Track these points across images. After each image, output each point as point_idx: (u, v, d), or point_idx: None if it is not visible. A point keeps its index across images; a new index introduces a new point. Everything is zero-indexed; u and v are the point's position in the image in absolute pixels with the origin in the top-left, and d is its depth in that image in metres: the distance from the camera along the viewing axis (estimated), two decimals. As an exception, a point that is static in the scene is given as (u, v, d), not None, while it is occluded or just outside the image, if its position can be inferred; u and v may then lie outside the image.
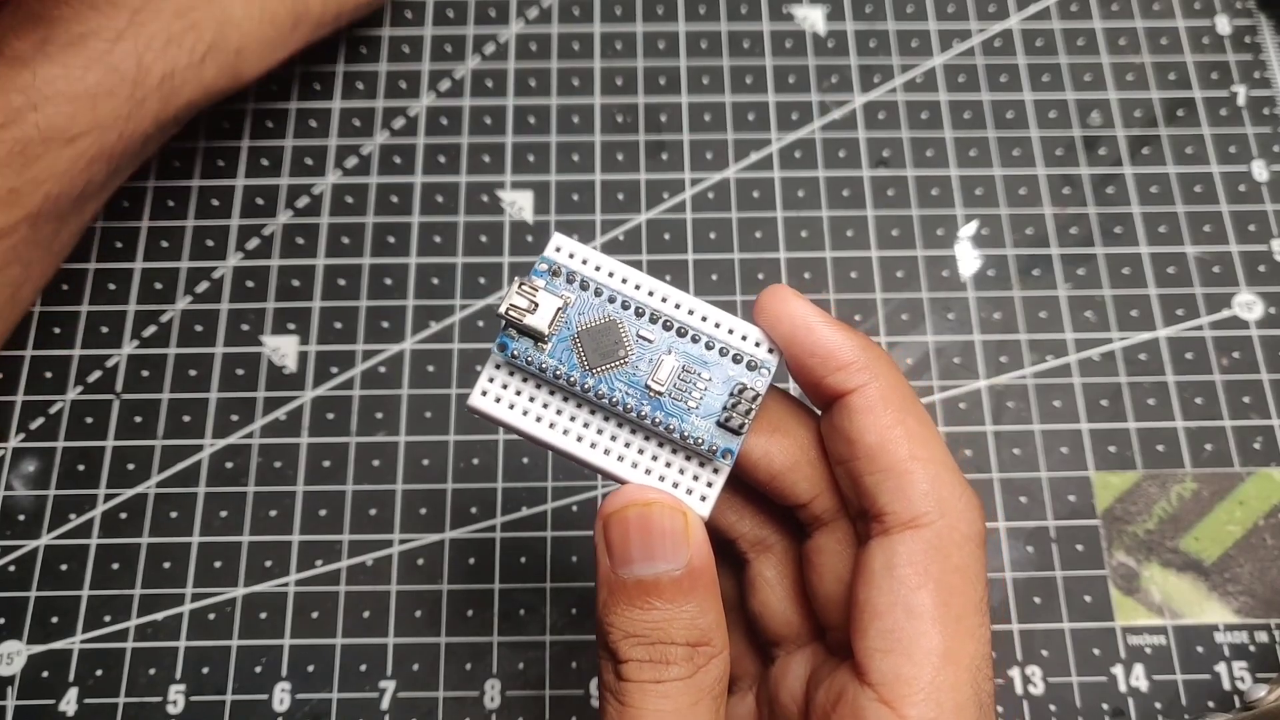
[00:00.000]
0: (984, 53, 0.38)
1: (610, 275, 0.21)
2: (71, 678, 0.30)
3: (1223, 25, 0.39)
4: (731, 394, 0.20)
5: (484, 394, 0.21)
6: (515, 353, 0.20)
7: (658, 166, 0.36)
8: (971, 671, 0.18)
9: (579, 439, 0.21)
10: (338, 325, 0.34)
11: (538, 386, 0.21)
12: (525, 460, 0.32)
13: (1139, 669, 0.30)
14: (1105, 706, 0.30)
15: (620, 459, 0.21)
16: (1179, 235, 0.35)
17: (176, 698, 0.30)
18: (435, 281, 0.34)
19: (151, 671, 0.30)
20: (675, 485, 0.21)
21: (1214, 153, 0.36)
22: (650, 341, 0.21)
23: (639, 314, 0.21)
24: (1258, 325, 0.34)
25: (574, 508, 0.32)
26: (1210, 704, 0.30)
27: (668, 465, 0.21)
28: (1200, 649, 0.31)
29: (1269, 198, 0.36)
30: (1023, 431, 0.33)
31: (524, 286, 0.20)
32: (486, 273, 0.35)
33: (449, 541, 0.32)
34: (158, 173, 0.36)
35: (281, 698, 0.30)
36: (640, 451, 0.21)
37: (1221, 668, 0.30)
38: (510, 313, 0.20)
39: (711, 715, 0.20)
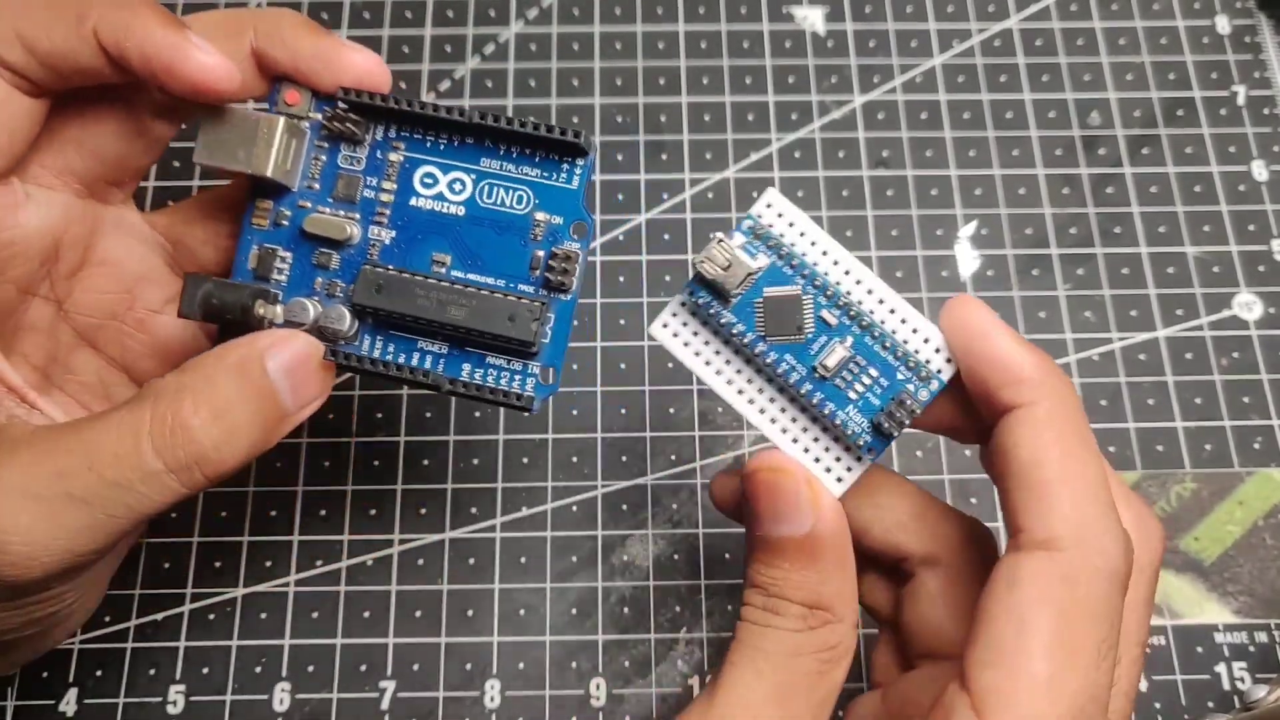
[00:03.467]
0: (983, 53, 0.38)
1: (812, 245, 0.22)
2: (71, 678, 0.30)
3: (1222, 25, 0.39)
4: (894, 399, 0.21)
5: (664, 326, 0.23)
6: (700, 301, 0.22)
7: (658, 166, 0.36)
8: (1073, 708, 0.18)
9: (740, 392, 0.22)
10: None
11: (714, 334, 0.22)
12: (525, 460, 0.32)
13: (1139, 669, 0.30)
14: (1105, 706, 0.30)
15: (773, 421, 0.22)
16: (1179, 235, 0.35)
17: (176, 698, 0.30)
18: (435, 282, 0.35)
19: (151, 671, 0.30)
20: (817, 460, 0.22)
21: (1214, 153, 0.36)
22: (829, 325, 0.22)
23: (826, 294, 0.22)
24: (1257, 325, 0.34)
25: (574, 508, 0.32)
26: (1210, 704, 0.30)
27: (815, 440, 0.22)
28: (1200, 649, 0.31)
29: (1269, 198, 0.36)
30: (1022, 431, 0.33)
31: (722, 244, 0.21)
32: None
33: (449, 541, 0.32)
34: (158, 174, 0.36)
35: (281, 698, 0.30)
36: (793, 420, 0.22)
37: (1221, 668, 0.30)
38: (704, 265, 0.21)
39: (813, 675, 0.21)
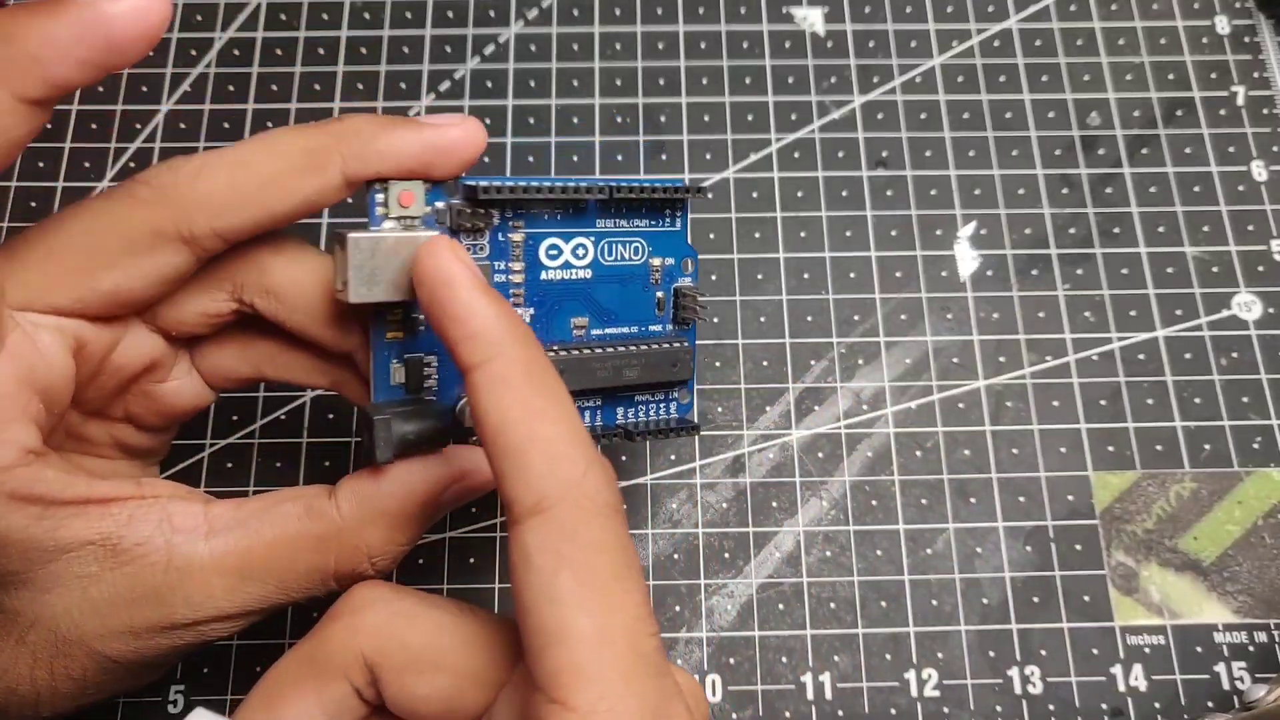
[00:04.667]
0: (983, 53, 0.38)
1: None
2: (72, 677, 0.30)
3: (1222, 25, 0.39)
4: None
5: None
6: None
7: (657, 167, 0.36)
8: (628, 640, 0.18)
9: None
10: (338, 326, 0.34)
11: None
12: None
13: (1138, 669, 0.30)
14: (1104, 706, 0.30)
15: None
16: (1178, 235, 0.35)
17: (176, 698, 0.30)
18: (435, 282, 0.35)
19: (152, 671, 0.30)
20: None
21: (1213, 153, 0.37)
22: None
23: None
24: (1256, 325, 0.34)
25: (573, 508, 0.32)
26: (1209, 704, 0.30)
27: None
28: (1199, 649, 0.31)
29: (1268, 198, 0.36)
30: (1021, 431, 0.33)
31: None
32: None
33: (449, 541, 0.32)
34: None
35: (281, 697, 0.30)
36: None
37: (1221, 668, 0.30)
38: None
39: None
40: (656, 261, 0.26)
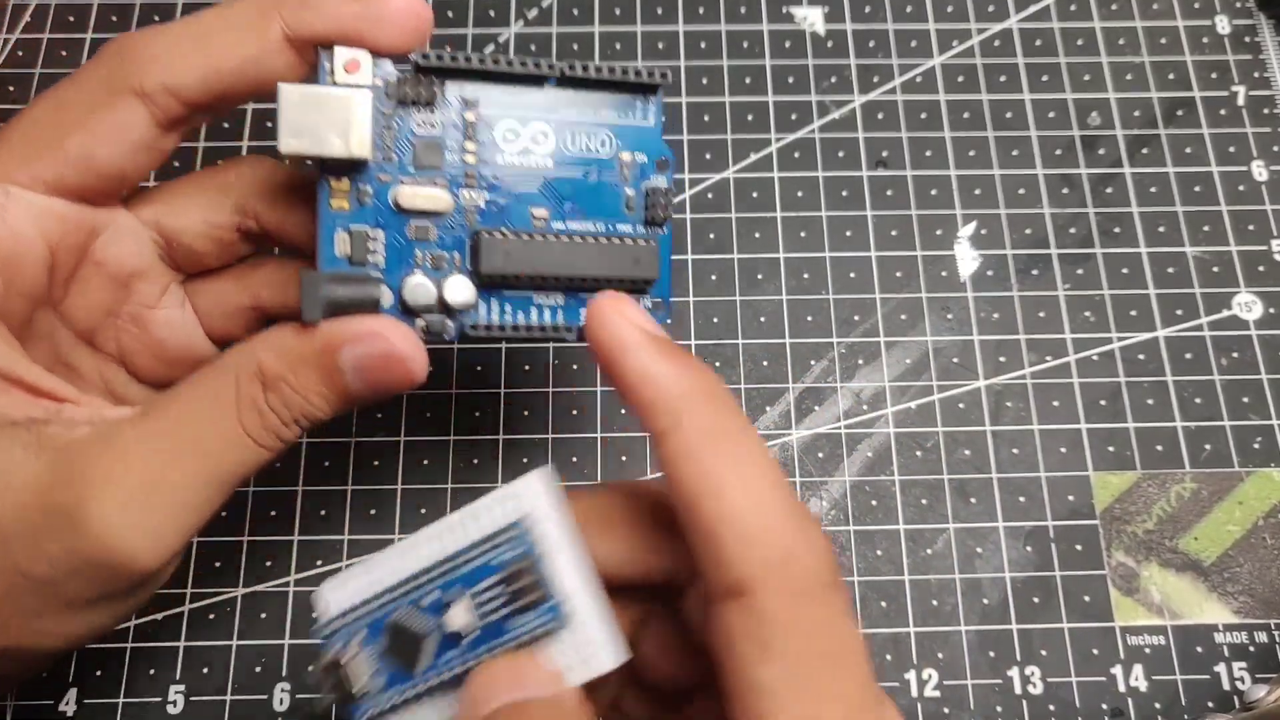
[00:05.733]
0: (983, 53, 0.38)
1: (373, 581, 0.20)
2: (71, 678, 0.30)
3: (1222, 25, 0.39)
4: (510, 585, 0.19)
5: None
6: (368, 714, 0.20)
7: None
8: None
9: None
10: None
11: (408, 709, 0.20)
12: (525, 460, 0.32)
13: (1138, 669, 0.30)
14: (1104, 706, 0.30)
15: None
16: (1178, 235, 0.35)
17: (176, 698, 0.30)
18: (435, 282, 0.35)
19: (151, 671, 0.30)
20: (568, 669, 0.19)
21: (1213, 153, 0.36)
22: (434, 603, 0.20)
23: (410, 592, 0.20)
24: (1257, 325, 0.34)
25: (573, 508, 0.32)
26: (1210, 704, 0.30)
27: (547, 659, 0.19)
28: (1200, 649, 0.31)
29: (1268, 198, 0.36)
30: (1022, 431, 0.33)
31: (321, 670, 0.20)
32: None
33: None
34: (157, 174, 0.36)
35: (281, 698, 0.30)
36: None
37: (1221, 668, 0.30)
38: (330, 695, 0.20)
39: None
40: (626, 156, 0.24)
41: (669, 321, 0.24)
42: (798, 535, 0.17)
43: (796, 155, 0.36)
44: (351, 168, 0.22)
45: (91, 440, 0.20)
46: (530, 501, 0.19)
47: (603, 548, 0.20)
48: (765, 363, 0.34)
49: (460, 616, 0.19)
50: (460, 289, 0.22)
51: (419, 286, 0.22)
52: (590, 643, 0.18)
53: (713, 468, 0.17)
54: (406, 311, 0.22)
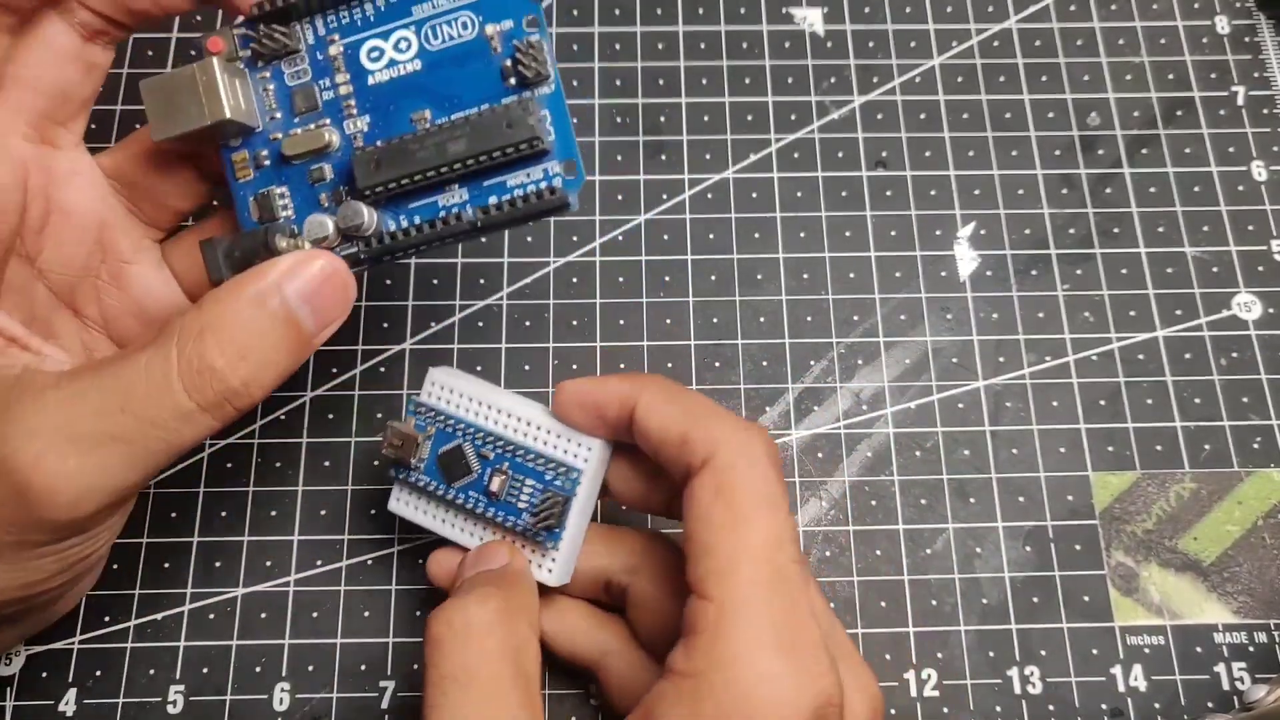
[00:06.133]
0: (982, 53, 0.38)
1: (470, 400, 0.27)
2: (71, 678, 0.30)
3: (1222, 25, 0.39)
4: (544, 496, 0.26)
5: (397, 500, 0.28)
6: (401, 476, 0.27)
7: (657, 167, 0.36)
8: (763, 553, 0.22)
9: (460, 530, 0.27)
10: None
11: (422, 493, 0.27)
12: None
13: (1138, 669, 0.30)
14: (1104, 706, 0.30)
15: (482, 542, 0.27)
16: (1178, 235, 0.35)
17: (176, 698, 0.30)
18: (435, 282, 0.35)
19: (151, 671, 0.30)
20: (532, 563, 0.26)
21: (1213, 153, 0.37)
22: (488, 459, 0.26)
23: (480, 438, 0.26)
24: (1256, 325, 0.34)
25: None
26: (1209, 704, 0.30)
27: (524, 548, 0.27)
28: (1199, 649, 0.31)
29: (1268, 198, 0.36)
30: (1021, 431, 0.33)
31: (391, 427, 0.26)
32: (486, 273, 0.35)
33: (449, 541, 0.32)
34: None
35: (281, 698, 0.30)
36: (500, 539, 0.27)
37: (1220, 668, 0.30)
38: (385, 450, 0.27)
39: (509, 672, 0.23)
40: (491, 29, 0.23)
41: (581, 181, 0.23)
42: (742, 429, 0.24)
43: (796, 156, 0.36)
44: (236, 134, 0.23)
45: (21, 377, 0.20)
46: (593, 463, 0.26)
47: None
48: (765, 363, 0.34)
49: (497, 484, 0.26)
50: (353, 213, 0.23)
51: (313, 223, 0.23)
52: (554, 564, 0.26)
53: (676, 407, 0.24)
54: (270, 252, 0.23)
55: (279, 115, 0.23)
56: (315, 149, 0.23)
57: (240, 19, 0.24)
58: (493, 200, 0.23)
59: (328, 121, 0.23)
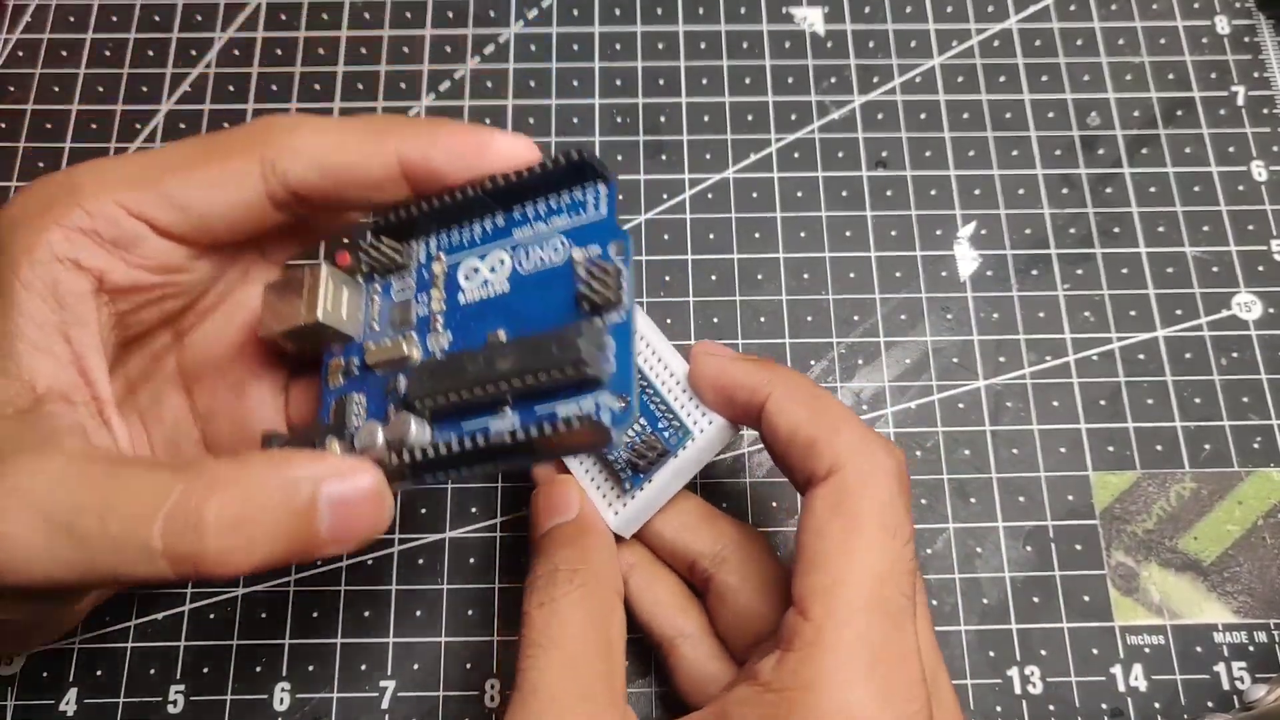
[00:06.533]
0: (983, 53, 0.38)
1: (640, 340, 0.27)
2: (71, 678, 0.30)
3: (1222, 25, 0.39)
4: (644, 440, 0.26)
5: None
6: None
7: (657, 167, 0.36)
8: (873, 580, 0.21)
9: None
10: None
11: None
12: (525, 460, 0.32)
13: (1138, 669, 0.30)
14: (1104, 706, 0.30)
15: (580, 463, 0.27)
16: (1178, 235, 0.35)
17: (176, 698, 0.30)
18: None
19: (151, 671, 0.30)
20: (605, 498, 0.27)
21: (1213, 153, 0.37)
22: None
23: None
24: (1256, 325, 0.34)
25: (573, 508, 0.32)
26: (1209, 704, 0.30)
27: (605, 480, 0.27)
28: (1199, 649, 0.31)
29: (1268, 198, 0.36)
30: (1021, 431, 0.33)
31: None
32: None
33: (449, 541, 0.32)
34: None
35: (281, 698, 0.30)
36: (594, 463, 0.27)
37: (1220, 668, 0.30)
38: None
39: (600, 641, 0.24)
40: (579, 254, 0.22)
41: (630, 419, 0.21)
42: (873, 443, 0.23)
43: (796, 155, 0.36)
44: (336, 340, 0.24)
45: (55, 431, 0.20)
46: (708, 436, 0.25)
47: (677, 512, 0.28)
48: (765, 363, 0.34)
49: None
50: (402, 423, 0.22)
51: (365, 430, 0.22)
52: (623, 510, 0.26)
53: (809, 408, 0.24)
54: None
55: (378, 327, 0.24)
56: (393, 359, 0.23)
57: (369, 233, 0.24)
58: (532, 426, 0.21)
59: (414, 337, 0.23)
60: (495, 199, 0.23)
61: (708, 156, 0.36)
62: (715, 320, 0.34)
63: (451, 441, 0.21)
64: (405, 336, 0.23)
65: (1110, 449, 0.33)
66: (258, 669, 0.30)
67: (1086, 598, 0.31)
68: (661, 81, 0.37)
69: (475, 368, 0.21)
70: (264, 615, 0.31)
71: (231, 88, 0.37)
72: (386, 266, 0.24)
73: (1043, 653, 0.31)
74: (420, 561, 0.31)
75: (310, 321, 0.23)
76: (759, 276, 0.35)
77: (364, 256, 0.24)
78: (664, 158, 0.36)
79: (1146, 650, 0.31)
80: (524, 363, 0.21)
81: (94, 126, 0.36)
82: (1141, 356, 0.34)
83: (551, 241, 0.23)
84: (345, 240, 0.24)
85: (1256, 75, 0.38)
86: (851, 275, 0.35)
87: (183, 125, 0.37)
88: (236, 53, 0.38)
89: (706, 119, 0.37)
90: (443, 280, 0.24)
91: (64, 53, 0.38)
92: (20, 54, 0.38)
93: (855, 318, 0.34)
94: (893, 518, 0.22)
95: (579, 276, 0.21)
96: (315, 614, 0.31)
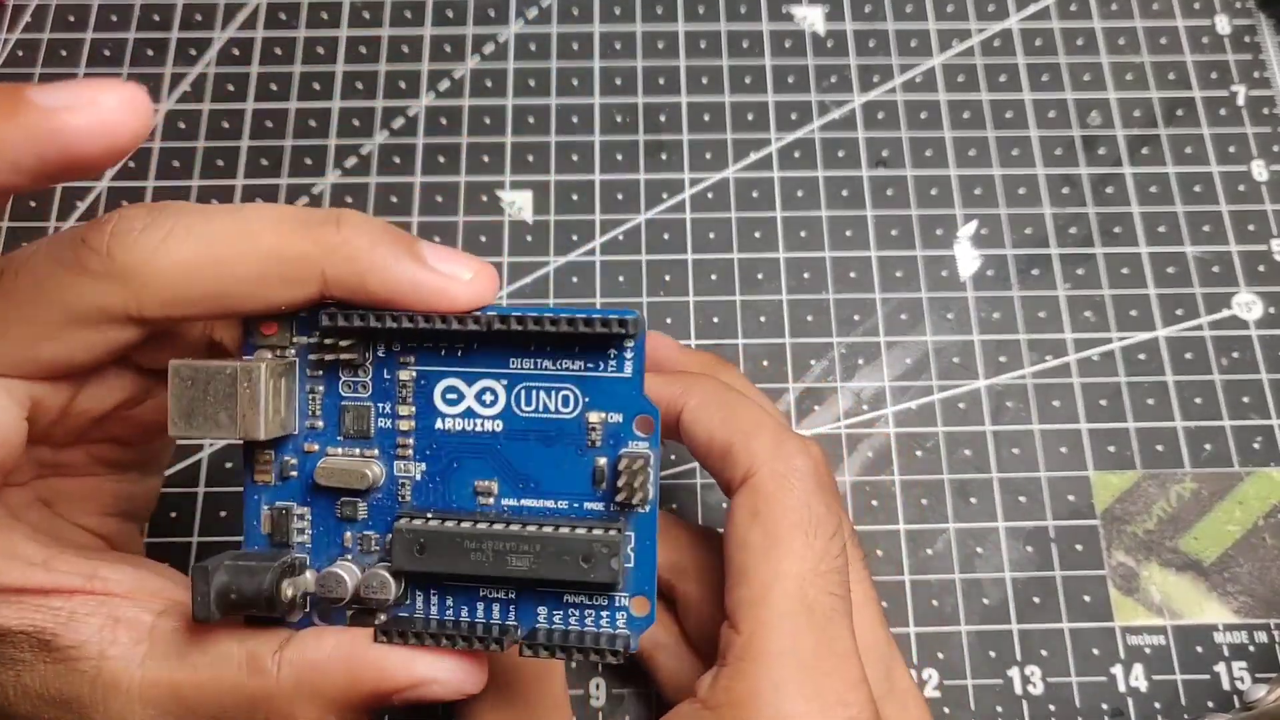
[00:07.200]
0: (983, 53, 0.38)
1: None
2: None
3: (1222, 25, 0.39)
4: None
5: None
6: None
7: (657, 166, 0.36)
8: (797, 585, 0.21)
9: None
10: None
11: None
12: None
13: (1138, 669, 0.30)
14: (1105, 706, 0.30)
15: None
16: (1178, 235, 0.35)
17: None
18: (435, 282, 0.34)
19: None
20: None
21: (1213, 153, 0.36)
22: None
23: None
24: (1257, 325, 0.34)
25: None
26: (1210, 704, 0.30)
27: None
28: (1200, 649, 0.31)
29: (1268, 198, 0.36)
30: (1022, 431, 0.33)
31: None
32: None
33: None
34: (156, 173, 0.36)
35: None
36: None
37: (1221, 668, 0.30)
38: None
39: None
40: (595, 417, 0.19)
41: (650, 622, 0.20)
42: (788, 441, 0.23)
43: (796, 155, 0.36)
44: (270, 440, 0.20)
45: (102, 675, 0.19)
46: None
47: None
48: (765, 363, 0.34)
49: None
50: (379, 584, 0.19)
51: (330, 577, 0.20)
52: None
53: (722, 413, 0.23)
54: (322, 603, 0.20)
55: (321, 424, 0.20)
56: (354, 487, 0.20)
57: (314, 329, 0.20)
58: (541, 616, 0.19)
59: (375, 453, 0.20)
60: (497, 337, 0.20)
61: (708, 156, 0.36)
62: (715, 320, 0.34)
63: (433, 612, 0.20)
64: (366, 453, 0.20)
65: (1111, 449, 0.33)
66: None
67: (1087, 598, 0.31)
68: (661, 81, 0.37)
69: (480, 557, 0.19)
70: (264, 615, 0.31)
71: (231, 87, 0.37)
72: (339, 364, 0.20)
73: (1043, 653, 0.31)
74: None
75: (251, 439, 0.19)
76: (759, 276, 0.35)
77: (311, 351, 0.20)
78: (664, 157, 0.36)
79: (1147, 650, 0.31)
80: (542, 570, 0.19)
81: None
82: (1142, 356, 0.34)
83: (560, 388, 0.20)
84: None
85: (1257, 75, 0.38)
86: (852, 275, 0.35)
87: (182, 125, 0.37)
88: (236, 52, 0.38)
89: (707, 118, 0.37)
90: (412, 393, 0.20)
91: (64, 53, 0.38)
92: (20, 54, 0.38)
93: (856, 317, 0.34)
94: (810, 518, 0.22)
95: (593, 444, 0.19)
96: None
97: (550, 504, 0.20)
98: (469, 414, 0.20)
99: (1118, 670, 0.30)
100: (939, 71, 0.38)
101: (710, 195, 0.36)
